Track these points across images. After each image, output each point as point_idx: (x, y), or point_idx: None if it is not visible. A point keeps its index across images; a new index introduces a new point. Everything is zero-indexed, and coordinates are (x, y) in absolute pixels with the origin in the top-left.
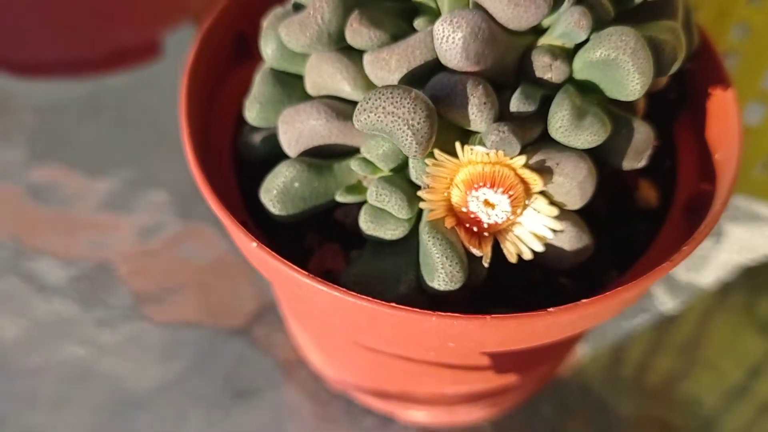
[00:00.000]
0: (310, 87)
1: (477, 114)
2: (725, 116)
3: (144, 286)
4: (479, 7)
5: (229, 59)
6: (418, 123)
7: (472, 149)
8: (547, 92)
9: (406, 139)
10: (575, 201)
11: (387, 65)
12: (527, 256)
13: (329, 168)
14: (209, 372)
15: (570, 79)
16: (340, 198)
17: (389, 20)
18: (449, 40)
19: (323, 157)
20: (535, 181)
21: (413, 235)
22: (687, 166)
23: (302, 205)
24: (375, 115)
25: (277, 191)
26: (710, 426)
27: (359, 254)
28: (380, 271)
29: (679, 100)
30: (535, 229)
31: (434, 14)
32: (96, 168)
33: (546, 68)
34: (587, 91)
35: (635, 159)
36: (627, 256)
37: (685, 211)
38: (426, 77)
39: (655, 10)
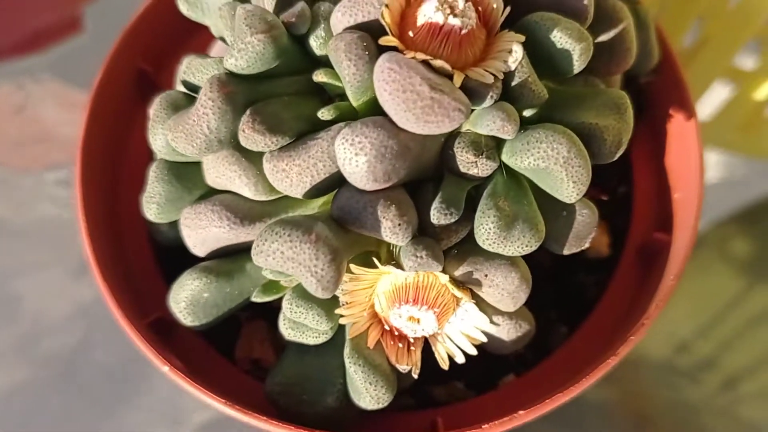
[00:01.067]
0: (211, 182)
1: (392, 235)
2: (686, 154)
3: None
4: (385, 114)
5: (131, 100)
6: (322, 269)
7: (390, 271)
8: (473, 186)
9: (311, 285)
10: (508, 307)
11: (288, 177)
12: (460, 359)
13: (241, 269)
14: None
15: (499, 168)
16: (257, 299)
17: (289, 115)
18: (352, 162)
19: (234, 252)
20: (462, 297)
21: (340, 333)
22: (643, 203)
23: (215, 312)
24: (274, 260)
25: (185, 303)
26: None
27: (285, 351)
28: (306, 378)
29: (637, 113)
30: (467, 330)
31: (341, 108)
32: None
33: (471, 164)
34: (518, 183)
35: (576, 245)
36: (576, 309)
37: (637, 259)
38: (331, 189)
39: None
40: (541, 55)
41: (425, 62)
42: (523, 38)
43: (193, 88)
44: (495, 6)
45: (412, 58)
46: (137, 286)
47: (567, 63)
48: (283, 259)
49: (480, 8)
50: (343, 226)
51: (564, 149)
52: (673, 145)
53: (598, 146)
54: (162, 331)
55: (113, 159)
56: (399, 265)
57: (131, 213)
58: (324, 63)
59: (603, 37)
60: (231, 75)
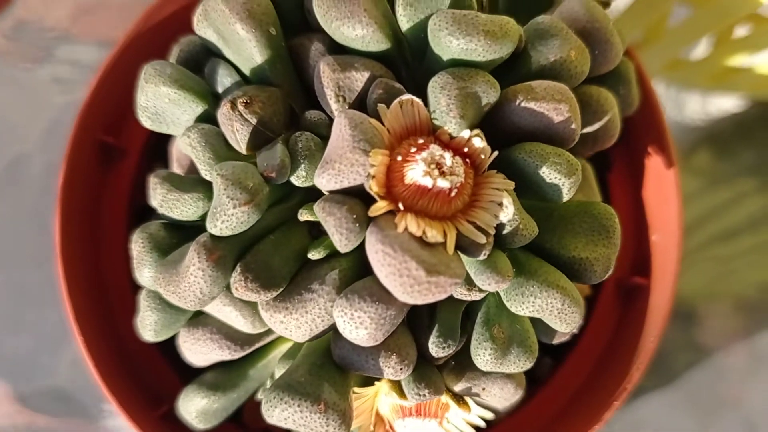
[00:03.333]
0: (206, 309)
1: (394, 376)
2: (665, 198)
3: None
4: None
5: (99, 167)
6: (334, 430)
7: (394, 404)
8: (469, 303)
9: None
10: (503, 405)
11: (286, 328)
12: None
13: (244, 377)
14: None
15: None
16: (262, 396)
17: (279, 260)
18: (353, 333)
19: (235, 362)
20: (462, 410)
21: None
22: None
23: (225, 414)
24: (286, 422)
25: (196, 414)
26: None
27: None
28: None
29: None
30: (467, 418)
31: (330, 246)
32: None
33: (463, 295)
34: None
35: (562, 336)
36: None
37: (616, 297)
38: (328, 331)
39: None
40: (530, 187)
41: (419, 238)
42: (512, 185)
43: (174, 222)
44: (483, 157)
45: (405, 230)
46: (140, 370)
47: (556, 194)
48: (294, 424)
49: (468, 155)
50: (344, 370)
51: (558, 303)
52: (651, 184)
53: (588, 276)
54: (172, 419)
55: (91, 226)
56: (400, 391)
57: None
58: (306, 191)
59: (589, 129)
60: (215, 237)
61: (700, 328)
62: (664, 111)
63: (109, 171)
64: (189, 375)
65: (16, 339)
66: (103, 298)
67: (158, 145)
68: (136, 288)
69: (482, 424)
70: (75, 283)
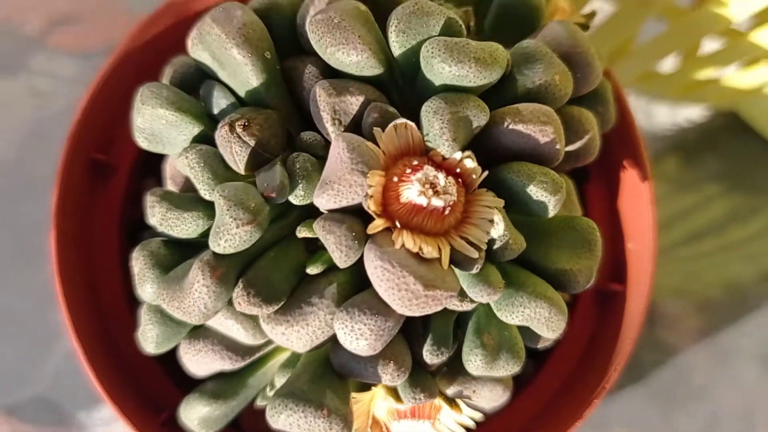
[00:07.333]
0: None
1: (391, 382)
2: (640, 209)
3: None
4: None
5: (90, 183)
6: None
7: (390, 407)
8: (460, 313)
9: None
10: (492, 405)
11: (288, 340)
12: None
13: (244, 385)
14: None
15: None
16: (262, 402)
17: (280, 276)
18: (353, 344)
19: (235, 371)
20: (453, 411)
21: None
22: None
23: (225, 420)
24: (290, 428)
25: (198, 421)
26: None
27: None
28: None
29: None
30: (458, 419)
31: (328, 261)
32: None
33: (455, 306)
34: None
35: (546, 341)
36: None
37: (594, 301)
38: (328, 341)
39: (566, 165)
40: (517, 203)
41: (415, 254)
42: (502, 203)
43: (174, 240)
44: (474, 177)
45: (402, 246)
46: (139, 380)
47: (542, 210)
48: (300, 429)
49: (460, 175)
50: (343, 377)
51: (545, 312)
52: (626, 195)
53: (573, 286)
54: (175, 425)
55: (84, 241)
56: (396, 395)
57: (113, 301)
58: (303, 209)
59: (571, 147)
60: (218, 254)
61: (665, 327)
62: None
63: (100, 187)
64: (186, 384)
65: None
66: (98, 310)
67: (147, 162)
68: (131, 301)
69: (472, 424)
70: (72, 296)
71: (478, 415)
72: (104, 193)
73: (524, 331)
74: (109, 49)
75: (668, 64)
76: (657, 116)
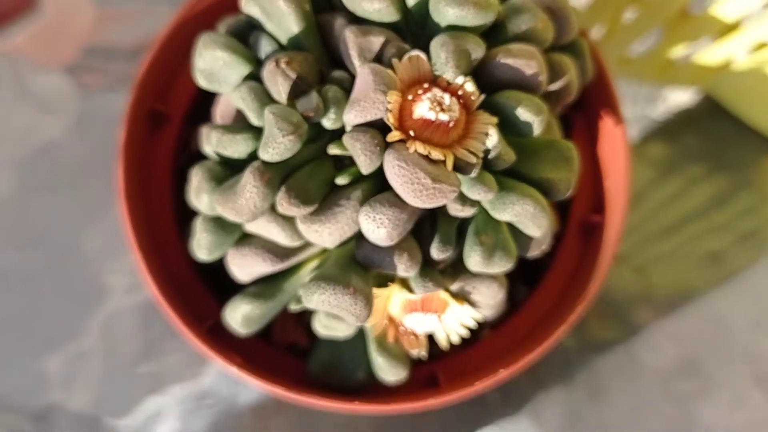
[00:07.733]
0: (248, 229)
1: (405, 273)
2: (615, 152)
3: None
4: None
5: (149, 130)
6: (359, 310)
7: (404, 297)
8: (462, 221)
9: (351, 320)
10: (489, 302)
11: (320, 236)
12: (456, 340)
13: (280, 289)
14: None
15: (479, 208)
16: (294, 307)
17: (314, 184)
18: (374, 233)
19: (272, 276)
20: (457, 304)
21: (361, 328)
22: (582, 187)
23: (262, 321)
24: (322, 305)
25: (240, 320)
26: None
27: (319, 341)
28: (340, 361)
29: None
30: (460, 319)
31: (353, 173)
32: None
33: (458, 210)
34: (495, 220)
35: (536, 249)
36: (533, 271)
37: (580, 233)
38: (352, 238)
39: (549, 103)
40: (508, 124)
41: (425, 156)
42: (496, 120)
43: (227, 160)
44: (474, 99)
45: (414, 151)
46: (185, 294)
47: (529, 129)
48: (329, 306)
49: (462, 97)
50: (366, 268)
51: (531, 208)
52: (604, 141)
53: (554, 193)
54: (216, 333)
55: (143, 181)
56: (409, 287)
57: (164, 227)
58: (333, 132)
59: (552, 87)
60: (266, 163)
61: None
62: (615, 84)
63: (157, 133)
64: (223, 299)
65: None
66: (154, 236)
67: (195, 114)
68: (179, 229)
69: (473, 323)
70: (135, 222)
71: (479, 315)
72: (159, 138)
73: (517, 239)
74: None
75: (647, 45)
76: (640, 101)
